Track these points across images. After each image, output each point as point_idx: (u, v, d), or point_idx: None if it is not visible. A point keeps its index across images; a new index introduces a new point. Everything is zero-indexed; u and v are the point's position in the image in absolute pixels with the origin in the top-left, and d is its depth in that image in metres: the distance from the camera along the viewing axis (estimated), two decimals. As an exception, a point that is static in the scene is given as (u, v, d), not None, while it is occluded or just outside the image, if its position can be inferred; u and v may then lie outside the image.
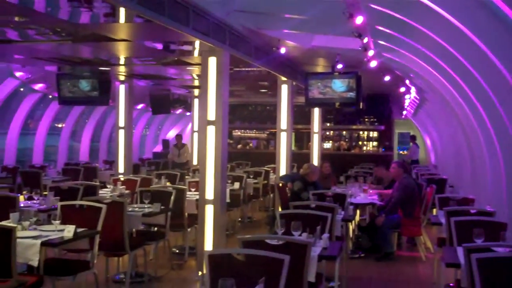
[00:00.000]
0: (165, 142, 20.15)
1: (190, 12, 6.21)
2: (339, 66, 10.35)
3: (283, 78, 11.11)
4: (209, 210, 6.95)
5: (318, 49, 9.68)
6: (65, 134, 16.48)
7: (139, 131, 20.44)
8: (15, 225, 4.79)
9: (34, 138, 15.33)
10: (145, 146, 21.39)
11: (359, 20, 6.31)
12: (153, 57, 10.06)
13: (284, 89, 11.20)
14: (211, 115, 7.05)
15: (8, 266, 4.52)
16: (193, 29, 6.29)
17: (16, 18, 5.65)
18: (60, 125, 16.87)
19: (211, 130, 7.04)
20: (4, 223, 4.92)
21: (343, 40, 8.92)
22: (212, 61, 7.11)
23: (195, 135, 16.19)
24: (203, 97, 7.16)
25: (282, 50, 9.01)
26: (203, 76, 7.20)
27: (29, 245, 4.79)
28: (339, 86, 10.77)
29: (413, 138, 19.75)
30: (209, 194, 6.97)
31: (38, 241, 4.81)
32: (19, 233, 4.83)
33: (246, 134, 20.78)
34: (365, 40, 7.63)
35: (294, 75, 11.57)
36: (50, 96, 15.01)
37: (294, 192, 8.40)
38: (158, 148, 21.18)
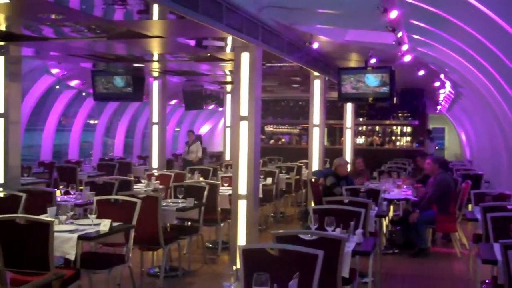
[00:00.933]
0: (198, 138, 20.25)
1: (223, 8, 6.23)
2: (373, 60, 10.27)
3: (316, 73, 11.06)
4: (242, 205, 6.98)
5: (351, 44, 9.61)
6: (100, 130, 16.72)
7: (172, 126, 20.60)
8: (52, 219, 4.89)
9: (67, 135, 15.59)
10: (178, 142, 21.54)
11: (393, 14, 6.26)
12: (186, 53, 10.12)
13: (317, 84, 11.16)
14: (244, 110, 7.07)
15: (46, 259, 4.61)
16: (226, 25, 6.31)
17: (53, 16, 5.75)
18: (92, 121, 17.09)
19: (243, 126, 7.06)
20: (41, 217, 5.03)
21: (377, 35, 8.85)
22: (245, 57, 7.13)
23: (228, 130, 16.24)
24: (235, 92, 7.19)
25: (315, 45, 8.98)
26: (236, 72, 7.23)
27: (66, 239, 4.88)
28: (372, 81, 10.68)
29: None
30: (242, 189, 7.00)
31: (75, 235, 4.90)
32: (56, 227, 4.93)
33: (278, 130, 20.76)
34: (399, 34, 7.56)
35: (326, 70, 11.52)
36: (84, 94, 15.25)
37: (326, 187, 8.39)
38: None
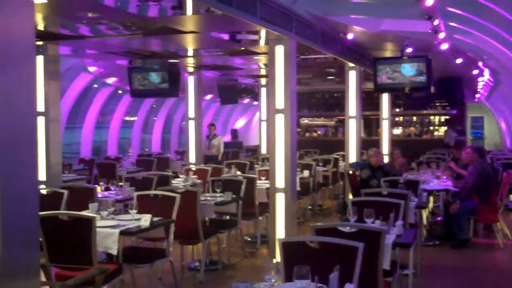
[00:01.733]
0: (234, 132, 20.34)
1: (257, 1, 6.22)
2: (409, 50, 10.12)
3: (351, 64, 10.97)
4: (280, 198, 6.98)
5: (386, 34, 9.50)
6: (138, 127, 16.92)
7: (208, 121, 20.72)
8: (94, 215, 4.97)
9: (105, 132, 15.82)
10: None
11: (429, 2, 6.16)
12: (220, 47, 10.16)
13: (352, 75, 11.07)
14: (280, 103, 7.06)
15: (89, 254, 4.70)
16: (260, 18, 6.30)
17: (90, 14, 5.83)
18: (127, 118, 17.27)
19: (279, 119, 7.05)
20: (84, 213, 5.12)
21: (412, 23, 8.73)
22: (279, 50, 7.11)
23: (263, 124, 16.24)
24: (271, 86, 7.18)
25: (350, 36, 8.90)
26: (271, 65, 7.21)
27: (108, 234, 4.96)
28: (408, 70, 10.54)
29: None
30: (280, 182, 6.99)
31: (117, 230, 4.97)
32: (98, 223, 5.00)
33: (314, 122, 20.68)
34: (436, 22, 7.43)
35: (362, 61, 11.41)
36: (120, 91, 15.45)
37: (362, 179, 8.33)
38: (227, 138, 21.41)
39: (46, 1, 4.83)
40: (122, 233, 4.99)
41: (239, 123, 22.76)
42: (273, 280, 3.10)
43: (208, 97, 18.84)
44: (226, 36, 8.84)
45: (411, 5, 6.99)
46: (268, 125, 7.29)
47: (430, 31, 8.06)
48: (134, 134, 16.85)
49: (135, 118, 17.21)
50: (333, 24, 8.69)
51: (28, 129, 2.99)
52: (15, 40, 2.94)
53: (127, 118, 17.46)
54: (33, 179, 2.99)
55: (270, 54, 7.20)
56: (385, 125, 14.33)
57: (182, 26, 7.41)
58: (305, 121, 20.54)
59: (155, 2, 6.48)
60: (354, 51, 10.82)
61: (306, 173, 9.98)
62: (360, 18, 8.80)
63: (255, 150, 17.21)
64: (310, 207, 11.01)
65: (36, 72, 3.14)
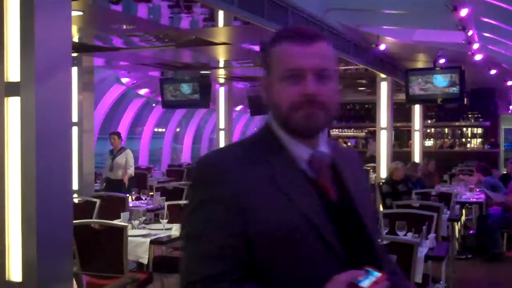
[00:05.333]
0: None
1: (288, 12, 6.24)
2: (441, 61, 10.02)
3: (382, 75, 10.90)
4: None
5: (419, 44, 9.42)
6: (168, 137, 17.07)
7: (238, 132, 20.80)
8: (126, 224, 5.01)
9: (133, 142, 15.98)
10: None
11: (463, 12, 6.09)
12: (251, 58, 10.20)
13: (384, 87, 11.00)
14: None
15: (120, 263, 4.73)
16: (292, 29, 6.30)
17: (124, 26, 5.92)
18: (156, 129, 17.40)
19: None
20: (115, 222, 5.17)
21: (446, 34, 8.64)
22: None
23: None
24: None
25: (382, 47, 8.85)
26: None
27: (139, 243, 4.99)
28: (441, 81, 10.43)
29: None
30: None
31: (148, 239, 5.01)
32: (130, 232, 5.04)
33: (343, 133, 20.57)
34: (470, 33, 7.34)
35: (393, 71, 11.34)
36: (154, 105, 15.66)
37: (382, 193, 8.24)
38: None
39: (82, 13, 4.93)
40: (152, 242, 5.03)
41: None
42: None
43: (238, 108, 18.90)
44: (257, 47, 8.88)
45: (444, 16, 6.92)
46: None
47: (463, 42, 7.97)
48: (165, 145, 16.99)
49: (164, 130, 17.35)
50: (365, 35, 8.66)
51: (63, 139, 3.04)
52: (53, 51, 3.00)
53: (156, 130, 17.64)
54: (67, 188, 3.04)
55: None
56: (416, 136, 14.19)
57: (214, 38, 7.47)
58: (335, 132, 20.44)
59: (187, 14, 6.55)
60: (386, 62, 10.76)
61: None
62: (392, 29, 8.76)
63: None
64: (340, 218, 10.92)
65: (71, 83, 3.21)
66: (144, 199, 7.52)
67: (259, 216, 1.38)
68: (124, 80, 12.98)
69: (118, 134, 10.08)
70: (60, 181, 2.96)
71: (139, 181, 10.95)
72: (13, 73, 2.94)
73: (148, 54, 9.02)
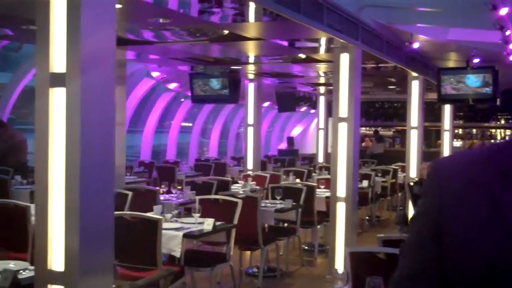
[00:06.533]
0: (290, 140, 20.31)
1: (324, 8, 6.20)
2: (475, 60, 9.87)
3: (414, 74, 10.79)
4: (341, 208, 6.90)
5: (452, 43, 9.29)
6: (196, 132, 17.13)
7: (265, 128, 20.79)
8: (160, 217, 5.03)
9: (160, 136, 16.06)
10: (270, 143, 21.70)
11: (503, 11, 5.98)
12: (282, 55, 10.16)
13: (415, 85, 10.88)
14: (343, 112, 7.00)
15: (154, 256, 4.76)
16: (327, 25, 6.27)
17: (161, 20, 5.93)
18: (183, 124, 17.46)
19: (343, 127, 6.99)
20: (149, 214, 5.19)
21: (481, 33, 8.51)
22: (344, 58, 7.06)
23: (320, 132, 16.17)
24: (335, 93, 7.13)
25: (415, 45, 8.75)
26: (335, 73, 7.17)
27: (172, 236, 5.01)
28: (473, 81, 10.29)
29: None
30: (341, 191, 6.92)
31: (180, 233, 5.03)
32: (163, 225, 5.06)
33: (371, 132, 20.41)
34: (508, 32, 7.21)
35: (425, 70, 11.21)
36: (182, 99, 15.72)
37: (413, 195, 8.14)
38: (283, 145, 21.40)
39: (120, 6, 4.95)
40: (185, 235, 5.04)
41: (296, 131, 22.72)
42: (343, 290, 3.05)
43: (266, 104, 18.89)
44: (286, 43, 8.84)
45: (481, 15, 6.82)
46: (325, 133, 7.22)
47: (500, 41, 7.83)
48: (193, 139, 17.05)
49: (190, 124, 17.41)
50: (398, 32, 8.57)
51: (106, 130, 3.05)
52: (98, 42, 3.01)
53: (183, 124, 17.72)
54: (109, 180, 3.05)
55: (335, 62, 7.16)
56: (446, 136, 14.03)
57: (248, 33, 7.45)
58: (362, 130, 20.29)
59: (218, 9, 6.54)
60: (418, 60, 10.64)
61: (365, 183, 9.85)
62: (426, 27, 8.64)
63: (311, 158, 17.12)
64: (367, 218, 10.86)
65: (115, 74, 3.22)
66: (174, 192, 7.54)
67: (465, 245, 1.13)
68: (154, 74, 13.04)
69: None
70: (103, 172, 2.98)
71: (167, 175, 11.02)
72: (58, 64, 2.95)
73: (178, 48, 9.03)
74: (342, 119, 7.00)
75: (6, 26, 7.30)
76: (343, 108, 6.99)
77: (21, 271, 3.50)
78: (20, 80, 10.85)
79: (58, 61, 2.95)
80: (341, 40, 6.84)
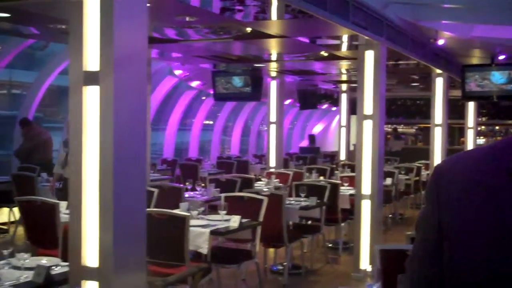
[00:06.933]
0: (311, 137, 20.28)
1: (349, 5, 6.18)
2: (501, 57, 9.77)
3: (438, 71, 10.70)
4: (366, 205, 6.88)
5: (477, 40, 9.21)
6: (218, 130, 17.19)
7: (286, 126, 20.78)
8: (188, 214, 5.07)
9: (183, 134, 16.14)
10: (291, 141, 21.69)
11: (531, 7, 5.90)
12: (304, 52, 10.15)
13: (439, 82, 10.79)
14: (368, 109, 6.97)
15: (182, 252, 4.79)
16: (352, 22, 6.26)
17: (187, 18, 5.96)
18: (204, 122, 17.52)
19: (367, 125, 6.96)
20: (176, 211, 5.22)
21: (506, 30, 8.42)
22: (369, 55, 7.03)
23: (342, 130, 16.11)
24: (359, 91, 7.11)
25: (440, 42, 8.69)
26: (360, 70, 7.15)
27: (199, 233, 5.04)
28: (498, 78, 10.20)
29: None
30: (366, 189, 6.90)
31: (207, 230, 5.05)
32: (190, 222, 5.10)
33: (392, 130, 20.30)
34: (535, 28, 7.13)
35: (448, 67, 11.11)
36: (204, 97, 15.78)
37: None
38: (305, 143, 21.38)
39: (149, 5, 4.98)
40: (212, 232, 5.07)
41: (317, 129, 22.69)
42: (374, 287, 3.05)
43: (287, 102, 18.88)
44: (316, 41, 8.83)
45: (506, 11, 6.76)
46: (347, 130, 7.20)
47: (526, 37, 7.76)
48: (215, 137, 17.12)
49: (211, 122, 17.48)
50: (423, 29, 8.50)
51: (139, 128, 3.08)
52: (130, 41, 3.04)
53: (204, 122, 17.79)
54: (142, 177, 3.08)
55: (360, 59, 7.14)
56: (470, 134, 13.90)
57: (271, 31, 7.46)
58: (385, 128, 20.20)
59: (241, 6, 6.55)
60: (442, 57, 10.55)
61: (388, 180, 9.80)
62: (450, 24, 8.57)
63: (333, 156, 17.08)
64: (390, 215, 10.81)
65: (146, 73, 3.25)
66: (198, 190, 7.58)
67: (465, 251, 1.07)
68: (177, 72, 13.11)
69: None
70: (135, 169, 3.01)
71: (190, 172, 11.07)
72: (92, 63, 2.99)
73: (200, 46, 9.06)
74: (367, 117, 6.98)
75: (32, 25, 7.39)
76: (368, 105, 6.97)
77: (53, 267, 3.55)
78: (45, 79, 10.98)
79: (91, 60, 2.99)
80: (366, 37, 6.82)
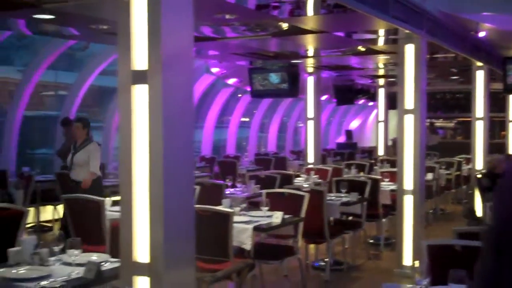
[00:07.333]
0: (348, 133, 20.15)
1: (389, -1, 6.13)
2: (544, 48, 9.55)
3: (479, 64, 10.51)
4: (408, 201, 6.81)
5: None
6: (255, 126, 17.24)
7: (323, 122, 20.70)
8: (232, 210, 5.10)
9: (220, 131, 16.23)
10: (328, 137, 21.60)
11: None
12: (340, 47, 10.09)
13: (480, 75, 10.60)
14: (409, 104, 6.90)
15: (226, 248, 4.83)
16: (393, 16, 6.20)
17: (227, 16, 5.99)
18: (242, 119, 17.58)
19: (409, 119, 6.89)
20: (219, 208, 5.26)
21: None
22: (410, 49, 6.96)
23: (380, 125, 15.96)
24: (399, 85, 7.04)
25: (481, 34, 8.54)
26: (400, 64, 7.08)
27: (242, 229, 5.07)
28: (541, 69, 9.99)
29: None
30: (408, 184, 6.83)
31: (250, 226, 5.08)
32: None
33: (435, 124, 20.02)
34: None
35: (489, 60, 10.91)
36: (240, 95, 15.84)
37: (481, 187, 7.94)
38: (341, 138, 21.26)
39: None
40: (255, 229, 5.09)
41: (354, 124, 22.55)
42: (424, 283, 3.02)
43: (323, 97, 18.80)
44: (345, 36, 8.77)
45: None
46: (385, 125, 7.13)
47: None
48: (251, 134, 17.17)
49: (247, 119, 17.53)
50: (464, 22, 8.37)
51: (187, 126, 3.12)
52: (177, 39, 3.08)
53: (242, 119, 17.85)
54: (191, 175, 3.12)
55: (400, 53, 7.07)
56: (511, 127, 13.63)
57: (309, 26, 7.43)
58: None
59: (277, 3, 6.55)
60: (483, 49, 10.36)
61: (429, 175, 9.68)
62: (491, 15, 8.41)
63: (370, 151, 16.95)
64: (431, 211, 10.68)
65: (193, 71, 3.28)
66: (239, 186, 7.62)
67: None
68: (214, 69, 13.17)
69: (84, 122, 7.24)
70: (184, 167, 3.05)
71: (229, 169, 11.14)
72: (140, 62, 3.03)
73: (236, 43, 9.09)
74: (408, 111, 6.91)
75: (74, 26, 7.52)
76: (409, 100, 6.90)
77: (102, 263, 3.61)
78: (85, 79, 11.17)
79: (139, 59, 3.03)
80: (406, 31, 6.75)
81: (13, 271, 3.48)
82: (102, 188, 7.08)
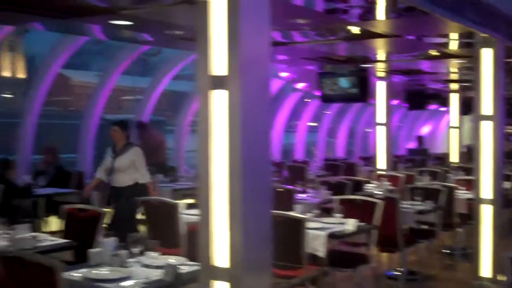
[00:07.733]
0: (420, 139, 19.70)
1: (465, 1, 5.95)
2: None
3: (560, 67, 10.05)
4: (486, 211, 6.57)
5: None
6: (323, 131, 17.14)
7: (393, 127, 20.32)
8: (305, 216, 5.07)
9: (287, 136, 16.22)
10: (398, 143, 21.20)
11: None
12: (412, 51, 9.89)
13: (562, 80, 10.13)
14: (487, 109, 6.67)
15: (298, 254, 4.80)
16: (469, 19, 6.02)
17: (299, 21, 5.98)
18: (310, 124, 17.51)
19: (487, 126, 6.66)
20: (293, 214, 5.24)
21: None
22: (487, 53, 6.73)
23: (452, 131, 15.53)
24: (476, 90, 6.82)
25: None
26: (477, 69, 6.85)
27: (315, 236, 5.02)
28: None
29: None
30: (486, 193, 6.58)
31: (324, 233, 5.02)
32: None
33: (509, 130, 19.27)
34: None
35: None
36: (308, 100, 15.79)
37: None
38: (412, 144, 20.81)
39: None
40: (329, 235, 5.03)
41: (424, 130, 22.05)
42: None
43: (394, 102, 18.47)
44: (418, 40, 8.58)
45: None
46: (459, 131, 6.91)
47: None
48: (320, 139, 17.09)
49: (315, 124, 17.44)
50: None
51: (265, 132, 3.11)
52: (255, 44, 3.08)
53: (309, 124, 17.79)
54: (268, 179, 3.11)
55: (476, 58, 6.85)
56: None
57: (381, 30, 7.32)
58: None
59: (348, 7, 6.47)
60: None
61: (507, 184, 9.30)
62: None
63: (442, 158, 16.50)
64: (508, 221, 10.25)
65: (270, 76, 3.27)
66: (309, 192, 7.57)
67: None
68: (283, 74, 13.19)
69: (122, 125, 6.98)
70: (262, 171, 3.04)
71: (298, 174, 11.11)
72: (218, 67, 3.04)
73: (305, 48, 9.05)
74: (485, 117, 6.67)
75: (148, 32, 7.69)
76: (487, 105, 6.66)
77: (180, 267, 3.66)
78: (158, 84, 11.41)
79: (218, 64, 3.04)
80: (483, 35, 6.54)
81: (94, 271, 3.58)
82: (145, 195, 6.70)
